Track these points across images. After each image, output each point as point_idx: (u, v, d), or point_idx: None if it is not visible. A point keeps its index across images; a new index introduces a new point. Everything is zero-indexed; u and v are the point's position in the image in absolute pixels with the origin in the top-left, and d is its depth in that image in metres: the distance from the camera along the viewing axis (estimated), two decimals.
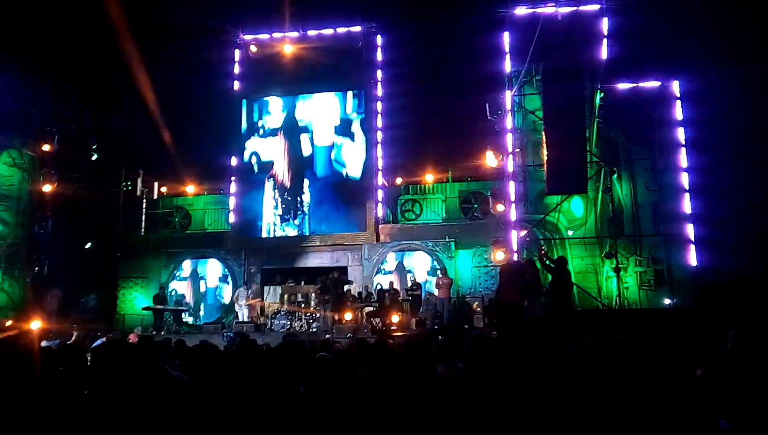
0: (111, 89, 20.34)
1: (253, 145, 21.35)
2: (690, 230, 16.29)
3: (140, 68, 19.98)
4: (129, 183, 21.52)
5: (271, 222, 20.68)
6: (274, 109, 21.50)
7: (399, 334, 14.31)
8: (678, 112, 17.06)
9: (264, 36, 21.28)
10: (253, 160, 21.29)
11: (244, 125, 21.49)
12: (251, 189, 21.02)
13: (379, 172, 20.34)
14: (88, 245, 19.77)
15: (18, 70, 17.95)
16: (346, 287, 17.18)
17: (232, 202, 21.16)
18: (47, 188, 18.91)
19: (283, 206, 20.71)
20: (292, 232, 20.52)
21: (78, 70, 19.18)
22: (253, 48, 21.33)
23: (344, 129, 20.84)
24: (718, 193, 15.98)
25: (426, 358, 4.03)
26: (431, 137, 20.79)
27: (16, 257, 18.54)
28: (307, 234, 20.35)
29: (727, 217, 15.46)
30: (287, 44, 20.97)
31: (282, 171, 20.98)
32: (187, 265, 20.93)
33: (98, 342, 12.09)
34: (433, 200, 20.76)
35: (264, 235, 20.62)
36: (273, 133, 21.34)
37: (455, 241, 19.11)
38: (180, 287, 20.64)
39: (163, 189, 22.75)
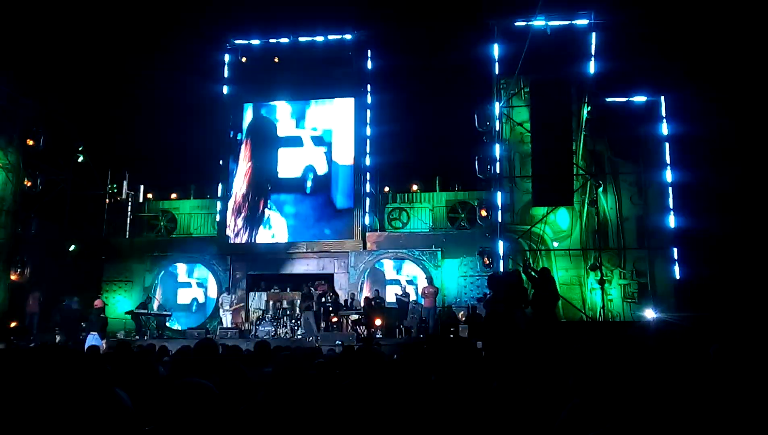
0: (99, 91, 20.22)
1: (241, 150, 21.29)
2: (674, 244, 16.48)
3: (129, 71, 19.94)
4: (115, 186, 21.36)
5: (258, 228, 20.60)
6: (263, 115, 21.48)
7: (384, 342, 14.31)
8: (664, 127, 17.28)
9: (255, 42, 21.29)
10: (243, 163, 21.24)
11: (232, 130, 21.43)
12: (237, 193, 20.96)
13: (368, 180, 20.38)
14: (72, 247, 19.58)
15: (4, 69, 17.81)
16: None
17: (218, 206, 21.08)
18: (32, 189, 18.73)
19: (269, 213, 20.65)
20: (279, 238, 20.43)
21: (66, 71, 19.06)
22: (243, 57, 21.31)
23: (331, 137, 20.89)
24: (703, 207, 16.18)
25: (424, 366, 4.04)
26: (420, 146, 20.91)
27: None
28: (294, 241, 20.29)
29: (711, 231, 15.64)
30: (278, 51, 21.01)
31: (271, 177, 20.93)
32: (171, 270, 20.81)
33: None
34: (421, 209, 20.82)
35: (250, 240, 20.52)
36: (261, 138, 21.31)
37: (442, 250, 19.17)
38: (164, 292, 20.50)
39: (149, 194, 22.58)
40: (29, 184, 18.69)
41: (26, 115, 18.91)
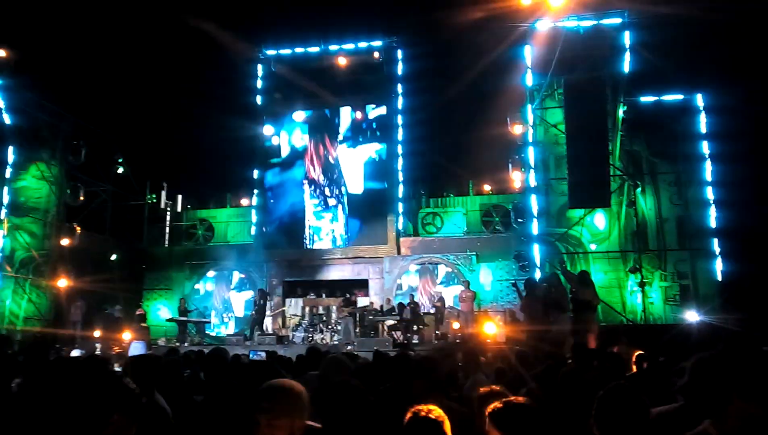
0: (137, 104, 20.71)
1: (277, 158, 21.59)
2: (716, 244, 16.08)
3: (166, 85, 20.38)
4: (154, 196, 21.83)
5: (304, 234, 20.83)
6: (297, 124, 21.72)
7: (420, 347, 14.26)
8: (702, 125, 16.90)
9: (286, 51, 21.54)
10: (277, 172, 21.53)
11: (267, 139, 21.71)
12: (273, 202, 21.22)
13: (401, 186, 20.40)
14: (113, 257, 20.05)
15: (46, 84, 18.40)
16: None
17: (254, 214, 21.37)
18: (74, 201, 19.26)
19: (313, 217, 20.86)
20: (324, 244, 20.60)
21: (105, 85, 19.58)
22: (276, 63, 21.57)
23: (366, 142, 21.00)
24: (744, 206, 15.77)
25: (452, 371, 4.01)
26: (452, 151, 20.85)
27: (43, 268, 18.86)
28: (332, 247, 20.47)
29: (753, 230, 15.23)
30: (309, 59, 21.21)
31: (306, 185, 21.15)
32: (210, 278, 21.16)
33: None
34: (454, 213, 20.74)
35: (287, 248, 20.68)
36: (295, 148, 21.56)
37: (477, 255, 19.06)
38: (202, 299, 20.85)
39: (188, 203, 22.99)
40: (72, 196, 19.21)
41: (68, 129, 19.47)
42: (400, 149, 20.65)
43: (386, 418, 3.66)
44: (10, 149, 18.65)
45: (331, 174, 21.01)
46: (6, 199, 18.49)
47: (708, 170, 16.64)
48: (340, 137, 21.23)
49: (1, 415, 3.13)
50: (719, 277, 15.88)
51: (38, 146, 19.05)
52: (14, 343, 15.25)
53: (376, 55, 20.97)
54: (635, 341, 8.69)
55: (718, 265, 15.97)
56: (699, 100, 17.06)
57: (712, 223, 16.24)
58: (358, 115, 21.19)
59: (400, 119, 20.81)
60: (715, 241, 16.11)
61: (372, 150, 20.88)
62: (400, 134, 20.72)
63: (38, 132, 18.87)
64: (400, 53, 21.07)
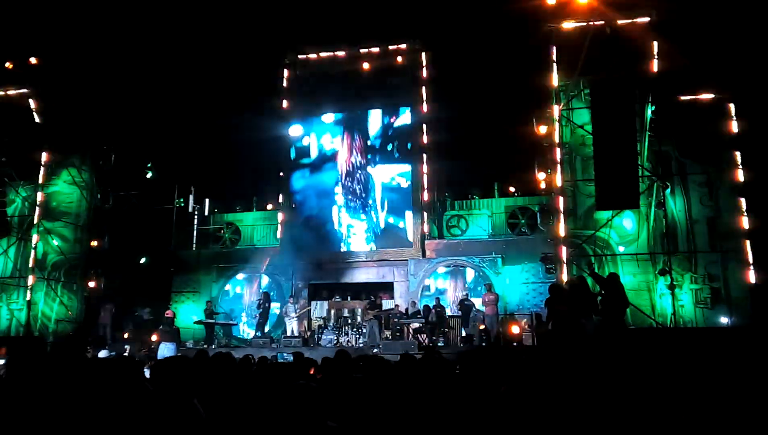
0: (165, 109, 21.01)
1: (304, 160, 21.76)
2: (748, 247, 15.72)
3: (193, 88, 20.65)
4: (182, 200, 22.14)
5: (330, 237, 20.96)
6: (327, 126, 21.86)
7: (446, 350, 14.22)
8: (733, 125, 16.55)
9: (311, 54, 21.69)
10: (306, 174, 21.70)
11: (294, 142, 21.89)
12: (300, 205, 21.37)
13: (425, 188, 20.37)
14: (142, 260, 20.38)
15: (77, 91, 18.79)
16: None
17: (280, 217, 21.53)
18: (104, 205, 19.65)
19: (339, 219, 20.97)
20: (350, 247, 20.68)
21: (134, 90, 19.90)
22: (303, 66, 21.76)
23: (389, 145, 21.05)
24: None
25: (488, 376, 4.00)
26: (477, 152, 20.72)
27: (74, 272, 19.24)
28: (357, 250, 20.55)
29: None
30: (334, 63, 21.32)
31: (336, 188, 21.30)
32: (236, 280, 21.36)
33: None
34: (480, 215, 20.64)
35: (314, 251, 20.76)
36: (323, 150, 21.69)
37: (502, 257, 18.93)
38: (229, 301, 21.05)
39: (215, 207, 23.25)
40: (102, 200, 19.59)
41: (98, 135, 19.86)
42: (425, 151, 20.62)
43: (414, 418, 3.68)
44: (43, 155, 19.08)
45: (360, 177, 21.11)
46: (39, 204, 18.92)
47: (739, 170, 16.26)
48: (369, 141, 21.35)
49: (38, 415, 3.20)
50: (752, 280, 15.49)
51: (69, 152, 19.45)
52: (47, 344, 15.61)
53: (400, 58, 21.05)
54: (665, 345, 8.52)
55: (751, 268, 15.59)
56: (731, 99, 16.70)
57: (745, 225, 15.87)
58: (389, 119, 21.33)
59: (424, 121, 20.80)
60: (748, 243, 15.74)
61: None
62: (425, 136, 20.71)
63: (69, 138, 19.27)
64: (424, 55, 21.09)
